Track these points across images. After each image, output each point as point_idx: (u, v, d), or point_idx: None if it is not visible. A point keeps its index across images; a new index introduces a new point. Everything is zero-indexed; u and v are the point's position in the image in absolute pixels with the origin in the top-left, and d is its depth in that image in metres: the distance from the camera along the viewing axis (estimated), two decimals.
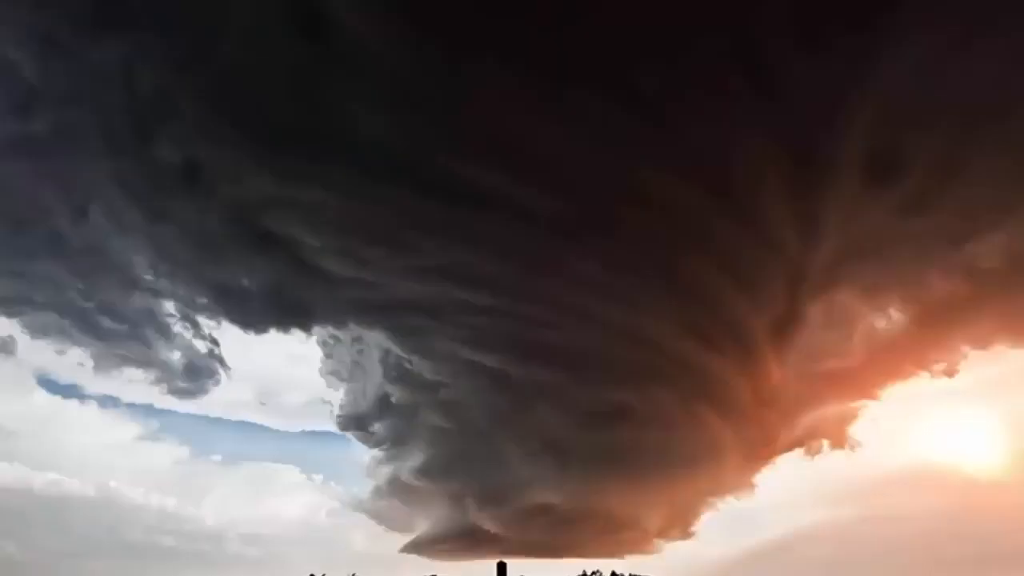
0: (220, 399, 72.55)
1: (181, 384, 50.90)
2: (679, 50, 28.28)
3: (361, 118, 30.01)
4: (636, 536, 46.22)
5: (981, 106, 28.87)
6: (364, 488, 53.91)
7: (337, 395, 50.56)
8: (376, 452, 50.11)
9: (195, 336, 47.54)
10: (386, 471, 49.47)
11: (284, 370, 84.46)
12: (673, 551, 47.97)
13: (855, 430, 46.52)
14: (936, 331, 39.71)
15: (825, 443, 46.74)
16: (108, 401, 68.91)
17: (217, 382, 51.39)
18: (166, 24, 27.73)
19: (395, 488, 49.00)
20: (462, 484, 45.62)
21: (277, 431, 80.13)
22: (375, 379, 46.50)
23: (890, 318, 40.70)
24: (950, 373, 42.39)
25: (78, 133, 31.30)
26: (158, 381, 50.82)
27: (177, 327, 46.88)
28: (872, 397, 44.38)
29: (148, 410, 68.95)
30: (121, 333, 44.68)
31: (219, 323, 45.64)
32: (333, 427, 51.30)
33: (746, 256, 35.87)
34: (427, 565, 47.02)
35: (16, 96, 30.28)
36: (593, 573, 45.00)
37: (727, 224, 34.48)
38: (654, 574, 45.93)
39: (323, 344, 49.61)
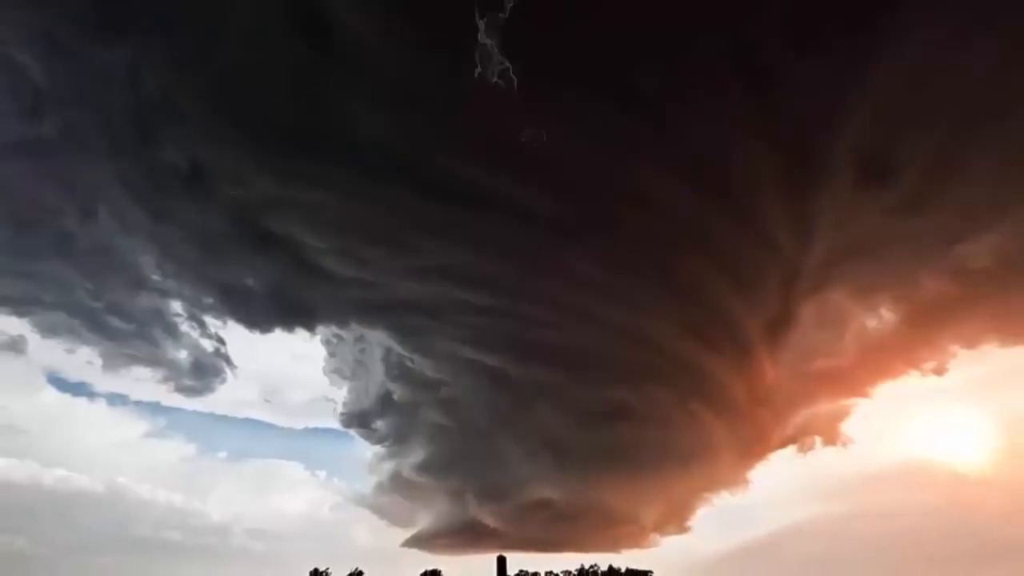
0: (226, 397, 74.05)
1: (188, 382, 51.53)
2: (679, 50, 28.36)
3: (361, 118, 30.08)
4: (633, 531, 46.91)
5: (976, 107, 29.06)
6: (366, 484, 55.04)
7: (340, 393, 51.00)
8: (378, 449, 50.73)
9: (202, 335, 47.87)
10: (388, 467, 50.08)
11: (288, 368, 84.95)
12: (669, 545, 48.88)
13: (847, 427, 47.24)
14: (926, 330, 40.21)
15: (817, 440, 47.45)
16: (116, 399, 69.67)
17: (223, 380, 52.02)
18: (168, 26, 27.66)
19: (397, 484, 49.58)
20: (463, 480, 46.15)
21: (282, 428, 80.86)
22: (377, 377, 46.89)
23: (881, 318, 41.20)
24: (940, 372, 42.99)
25: (83, 135, 31.29)
26: (165, 379, 51.49)
27: (184, 326, 47.25)
28: (863, 395, 45.07)
29: (155, 408, 69.84)
30: (129, 332, 45.17)
31: (225, 323, 45.97)
32: (336, 424, 51.87)
33: (743, 256, 36.20)
34: (428, 559, 47.83)
35: (23, 99, 30.27)
36: (591, 567, 45.65)
37: (725, 224, 34.73)
38: (651, 568, 46.74)
39: (326, 343, 49.91)
